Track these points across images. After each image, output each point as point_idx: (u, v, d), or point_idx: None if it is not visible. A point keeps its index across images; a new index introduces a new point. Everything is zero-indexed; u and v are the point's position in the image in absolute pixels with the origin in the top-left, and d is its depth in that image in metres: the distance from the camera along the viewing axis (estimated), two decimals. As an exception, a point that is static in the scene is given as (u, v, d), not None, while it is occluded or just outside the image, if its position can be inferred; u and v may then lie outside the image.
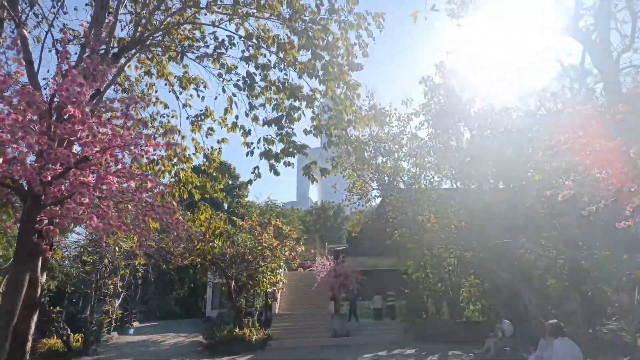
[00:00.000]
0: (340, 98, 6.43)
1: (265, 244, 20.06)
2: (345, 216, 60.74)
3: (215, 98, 6.44)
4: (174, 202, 6.59)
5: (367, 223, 22.06)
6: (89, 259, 20.10)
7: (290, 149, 6.57)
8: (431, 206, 20.30)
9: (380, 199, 23.80)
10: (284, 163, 6.69)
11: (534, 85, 12.98)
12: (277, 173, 6.71)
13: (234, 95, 6.05)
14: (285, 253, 21.11)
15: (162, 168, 7.09)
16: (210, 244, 6.23)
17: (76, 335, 19.66)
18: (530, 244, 10.66)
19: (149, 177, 4.71)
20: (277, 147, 6.51)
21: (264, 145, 6.39)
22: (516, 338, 10.16)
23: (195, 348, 19.79)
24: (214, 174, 6.31)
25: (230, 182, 55.97)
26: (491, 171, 17.95)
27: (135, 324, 29.92)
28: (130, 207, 4.56)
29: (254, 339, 18.93)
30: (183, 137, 6.94)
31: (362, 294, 23.06)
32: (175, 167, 6.88)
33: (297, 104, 6.19)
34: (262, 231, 20.52)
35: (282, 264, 23.99)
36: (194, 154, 6.91)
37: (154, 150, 4.49)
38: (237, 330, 19.35)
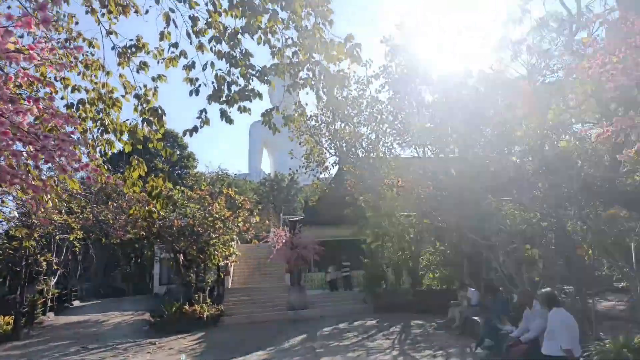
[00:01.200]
0: (307, 29, 5.13)
1: (217, 215, 18.67)
2: (299, 187, 59.71)
3: (147, 12, 5.00)
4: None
5: (325, 192, 21.12)
6: (16, 234, 17.95)
7: (247, 92, 5.30)
8: (390, 174, 19.65)
9: (337, 167, 22.90)
10: (239, 108, 5.40)
11: (509, 37, 12.18)
12: (229, 120, 5.43)
13: (172, 11, 4.65)
14: (239, 224, 19.84)
15: (83, 115, 5.62)
16: (147, 208, 4.86)
17: (6, 317, 17.72)
18: (511, 207, 10.08)
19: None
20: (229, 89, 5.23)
21: (213, 83, 5.08)
22: (486, 308, 9.62)
23: (141, 327, 18.36)
24: (149, 118, 4.95)
25: (178, 152, 53.30)
26: (454, 136, 17.38)
27: (76, 302, 27.92)
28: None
29: (205, 315, 17.74)
30: (107, 74, 5.47)
31: (320, 265, 22.31)
32: (100, 113, 5.44)
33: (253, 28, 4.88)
34: (212, 201, 19.07)
35: (235, 236, 22.73)
36: (123, 95, 5.47)
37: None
38: (187, 306, 18.06)
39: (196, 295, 20.40)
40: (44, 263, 18.48)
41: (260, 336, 14.24)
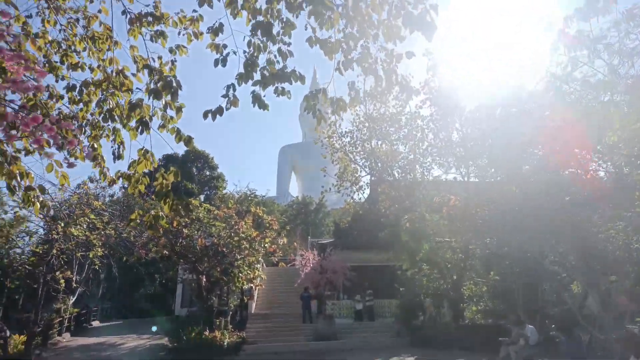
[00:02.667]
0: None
1: (243, 235, 17.55)
2: (327, 211, 58.44)
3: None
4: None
5: (358, 213, 19.79)
6: (36, 250, 17.28)
7: (287, 70, 4.24)
8: (431, 196, 18.24)
9: (371, 187, 21.58)
10: (277, 90, 4.31)
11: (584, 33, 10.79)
12: (263, 106, 4.34)
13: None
14: (265, 245, 18.65)
15: (87, 98, 4.62)
16: (153, 213, 3.71)
17: (20, 337, 16.91)
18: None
19: None
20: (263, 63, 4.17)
21: (246, 53, 4.03)
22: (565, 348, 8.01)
23: (157, 353, 17.19)
24: (158, 88, 3.87)
25: (208, 173, 53.12)
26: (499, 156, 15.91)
27: (95, 323, 27.05)
28: None
29: (225, 343, 16.45)
30: (116, 44, 4.47)
31: (350, 291, 20.77)
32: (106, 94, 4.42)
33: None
34: (239, 220, 18.00)
35: (260, 258, 21.53)
36: (133, 74, 4.44)
37: None
38: (207, 332, 16.82)
39: (217, 320, 19.15)
40: (63, 281, 17.64)
41: (285, 370, 12.83)
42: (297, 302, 21.04)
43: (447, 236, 14.70)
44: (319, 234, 49.75)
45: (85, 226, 17.05)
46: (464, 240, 12.59)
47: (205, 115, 3.91)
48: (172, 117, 4.19)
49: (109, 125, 4.45)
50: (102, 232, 17.07)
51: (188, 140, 4.00)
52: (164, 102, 4.13)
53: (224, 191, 47.72)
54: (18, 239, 17.09)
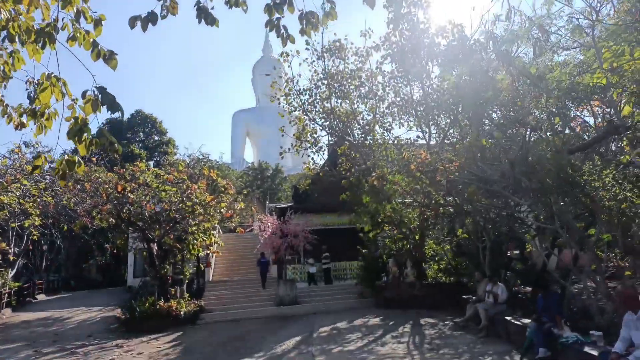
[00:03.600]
0: None
1: (196, 200, 16.47)
2: (284, 177, 57.71)
3: None
4: None
5: (318, 176, 19.08)
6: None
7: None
8: (389, 158, 17.78)
9: (330, 149, 20.85)
10: (229, 1, 3.45)
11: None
12: (212, 21, 3.43)
13: None
14: (221, 211, 17.66)
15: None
16: (65, 157, 2.70)
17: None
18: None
19: None
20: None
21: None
22: (538, 307, 7.71)
23: (108, 325, 16.15)
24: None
25: (156, 137, 50.56)
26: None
27: (40, 297, 25.38)
28: None
29: (182, 313, 15.63)
30: None
31: (312, 255, 20.31)
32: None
33: None
34: (192, 185, 16.84)
35: (216, 224, 20.56)
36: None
37: None
38: (161, 302, 15.91)
39: (173, 289, 18.25)
40: (-5, 253, 16.06)
41: (245, 337, 12.22)
42: (257, 268, 20.43)
43: (410, 196, 14.28)
44: (276, 200, 49.09)
45: (18, 193, 15.43)
46: (428, 199, 12.15)
47: (132, 23, 2.92)
48: (88, 32, 3.16)
49: (4, 45, 3.37)
50: (39, 200, 15.49)
51: (109, 57, 3.00)
52: (75, 11, 3.08)
53: (175, 157, 45.67)
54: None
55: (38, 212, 16.42)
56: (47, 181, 17.63)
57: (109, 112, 2.76)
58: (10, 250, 18.43)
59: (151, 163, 44.10)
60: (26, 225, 16.21)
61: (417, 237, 15.55)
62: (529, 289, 13.47)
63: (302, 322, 14.04)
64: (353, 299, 17.07)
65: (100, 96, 2.71)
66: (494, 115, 13.05)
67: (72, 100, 2.83)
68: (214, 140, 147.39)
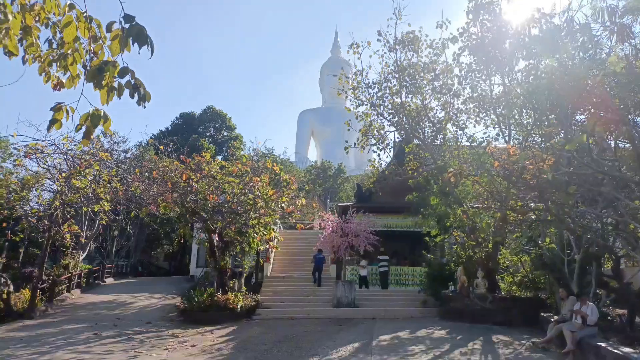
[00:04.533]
0: None
1: (258, 193, 16.17)
2: (346, 177, 57.10)
3: None
4: None
5: (384, 174, 18.15)
6: (38, 201, 16.31)
7: None
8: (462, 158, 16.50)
9: (398, 147, 19.83)
10: None
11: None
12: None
13: None
14: (282, 205, 17.26)
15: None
16: (90, 111, 2.12)
17: (26, 292, 16.17)
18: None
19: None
20: None
21: None
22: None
23: (167, 313, 16.29)
24: None
25: (225, 133, 51.83)
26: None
27: (109, 280, 26.53)
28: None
29: (239, 306, 15.38)
30: None
31: (372, 257, 19.46)
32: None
33: None
34: (254, 178, 16.57)
35: (277, 219, 20.26)
36: None
37: None
38: (219, 294, 15.78)
39: (231, 281, 18.15)
40: (69, 235, 16.68)
41: (301, 338, 11.62)
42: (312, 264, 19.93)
43: (486, 199, 13.00)
44: (337, 200, 48.48)
45: (90, 178, 15.93)
46: (506, 203, 10.84)
47: None
48: None
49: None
50: (109, 185, 15.89)
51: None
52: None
53: (242, 152, 46.55)
54: (22, 191, 16.00)
55: (108, 198, 16.86)
56: (122, 168, 18.20)
57: (137, 45, 2.18)
58: (82, 234, 19.22)
59: (219, 157, 45.27)
60: (96, 209, 16.70)
61: (490, 245, 14.20)
62: (620, 311, 11.80)
63: (360, 327, 13.24)
64: (415, 307, 15.99)
65: (127, 27, 2.13)
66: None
67: (100, 38, 2.29)
68: (279, 138, 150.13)
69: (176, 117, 51.68)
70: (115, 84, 2.31)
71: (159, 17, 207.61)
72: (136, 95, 2.37)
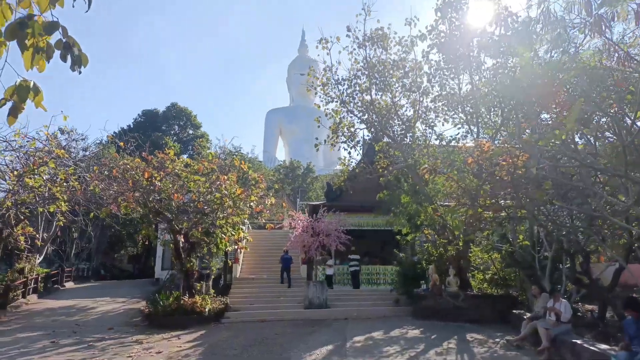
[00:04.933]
0: None
1: (226, 191, 15.63)
2: (315, 176, 56.84)
3: None
4: None
5: (354, 172, 17.95)
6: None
7: None
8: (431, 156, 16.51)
9: (367, 145, 19.67)
10: None
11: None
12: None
13: None
14: (251, 204, 16.77)
15: None
16: (17, 83, 1.69)
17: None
18: None
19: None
20: None
21: None
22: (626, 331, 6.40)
23: (131, 318, 15.54)
24: None
25: (190, 131, 50.61)
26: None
27: (69, 284, 25.30)
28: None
29: (207, 309, 14.82)
30: None
31: (342, 256, 19.25)
32: None
33: None
34: (221, 176, 16.01)
35: (246, 219, 19.73)
36: None
37: None
38: (185, 298, 15.18)
39: (199, 284, 17.54)
40: (22, 238, 15.66)
41: (272, 341, 11.24)
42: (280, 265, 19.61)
43: (456, 196, 12.96)
44: (307, 199, 48.22)
45: (45, 177, 14.99)
46: (478, 200, 10.78)
47: None
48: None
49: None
50: (66, 185, 15.00)
51: None
52: None
53: (208, 151, 45.54)
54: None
55: (65, 198, 15.91)
56: (81, 166, 17.25)
57: None
58: (37, 236, 18.12)
59: (185, 156, 44.18)
60: (51, 210, 15.73)
61: (461, 243, 14.21)
62: (590, 306, 12.00)
63: (333, 328, 12.96)
64: (388, 306, 15.87)
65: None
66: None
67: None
68: (247, 138, 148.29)
69: (138, 115, 50.14)
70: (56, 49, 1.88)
71: (122, 11, 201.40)
72: (69, 58, 1.96)
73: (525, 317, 10.37)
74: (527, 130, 11.15)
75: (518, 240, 11.09)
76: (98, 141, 38.45)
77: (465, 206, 9.65)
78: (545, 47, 9.74)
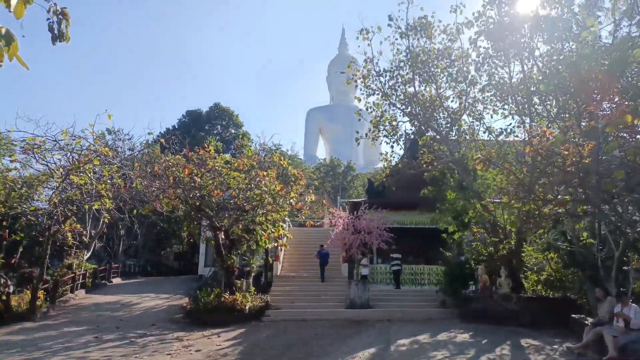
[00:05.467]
0: None
1: (265, 188, 15.40)
2: (355, 175, 56.15)
3: None
4: None
5: (397, 168, 17.27)
6: (38, 198, 15.68)
7: None
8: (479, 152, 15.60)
9: (411, 139, 18.90)
10: None
11: None
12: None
13: None
14: (291, 201, 16.48)
15: None
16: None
17: (27, 293, 15.58)
18: None
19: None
20: None
21: None
22: None
23: (173, 315, 15.60)
24: None
25: (233, 130, 51.15)
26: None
27: (116, 280, 25.95)
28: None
29: (247, 307, 14.66)
30: None
31: (384, 255, 18.64)
32: None
33: None
34: (261, 172, 15.79)
35: (286, 216, 19.49)
36: None
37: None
38: (226, 295, 15.05)
39: (239, 281, 17.43)
40: (70, 234, 16.03)
41: (313, 342, 10.84)
42: (328, 265, 19.26)
43: (511, 192, 12.08)
44: (347, 197, 47.69)
45: (91, 175, 15.26)
46: (536, 195, 9.91)
47: None
48: None
49: None
50: (109, 182, 15.21)
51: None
52: None
53: (248, 147, 45.84)
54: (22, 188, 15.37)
55: (110, 195, 16.17)
56: (127, 165, 17.54)
57: None
58: (85, 232, 18.60)
59: (227, 155, 44.74)
60: (95, 207, 16.03)
61: (513, 242, 13.28)
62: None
63: (375, 329, 12.42)
64: (433, 308, 15.14)
65: None
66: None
67: None
68: (287, 137, 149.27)
69: (183, 115, 51.14)
70: None
71: (165, 16, 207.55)
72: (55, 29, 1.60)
73: (587, 322, 9.44)
74: (585, 120, 10.21)
75: (582, 238, 10.11)
76: (145, 141, 39.54)
77: (522, 201, 8.80)
78: (610, 28, 8.78)
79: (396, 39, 15.99)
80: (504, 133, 15.59)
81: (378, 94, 16.15)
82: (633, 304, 8.42)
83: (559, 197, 9.85)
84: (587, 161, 6.52)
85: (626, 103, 10.58)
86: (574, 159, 6.74)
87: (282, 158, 16.85)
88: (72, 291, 18.40)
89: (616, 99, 10.53)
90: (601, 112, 10.96)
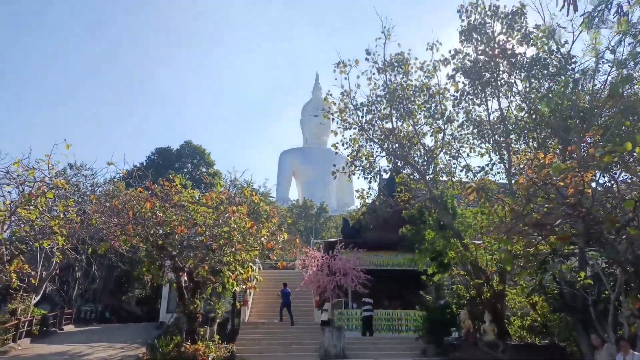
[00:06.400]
0: None
1: (235, 225, 14.34)
2: (328, 216, 55.38)
3: None
4: None
5: (373, 205, 16.59)
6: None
7: None
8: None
9: (387, 176, 18.37)
10: None
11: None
12: None
13: None
14: (262, 240, 15.40)
15: None
16: None
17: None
18: None
19: None
20: None
21: None
22: None
23: (126, 368, 13.99)
24: None
25: (204, 169, 49.98)
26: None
27: (68, 327, 23.72)
28: None
29: (210, 358, 13.24)
30: None
31: (359, 299, 17.59)
32: None
33: None
34: (230, 208, 14.76)
35: (256, 257, 18.31)
36: None
37: None
38: (187, 344, 13.63)
39: (202, 329, 15.96)
40: (15, 275, 14.40)
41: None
42: (299, 310, 18.02)
43: (490, 232, 11.48)
44: (320, 239, 46.52)
45: (42, 209, 13.90)
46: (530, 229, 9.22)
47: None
48: None
49: None
50: (63, 216, 13.88)
51: None
52: None
53: (221, 189, 44.59)
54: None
55: (64, 232, 14.75)
56: (86, 202, 16.26)
57: None
58: (34, 274, 16.88)
59: (195, 191, 43.27)
60: (45, 245, 14.57)
61: (497, 285, 12.56)
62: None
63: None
64: (414, 357, 14.08)
65: None
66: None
67: None
68: (260, 176, 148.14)
69: (152, 152, 49.81)
70: None
71: (138, 54, 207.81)
72: None
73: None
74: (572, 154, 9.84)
75: (579, 278, 9.44)
76: (111, 177, 37.83)
77: (524, 234, 8.07)
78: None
79: (373, 74, 15.79)
80: (483, 171, 15.25)
81: (355, 128, 15.69)
82: (636, 353, 7.68)
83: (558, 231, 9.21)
84: (589, 191, 5.97)
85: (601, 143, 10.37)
86: (577, 188, 6.12)
87: (254, 193, 15.91)
88: (14, 340, 16.42)
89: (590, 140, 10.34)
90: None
